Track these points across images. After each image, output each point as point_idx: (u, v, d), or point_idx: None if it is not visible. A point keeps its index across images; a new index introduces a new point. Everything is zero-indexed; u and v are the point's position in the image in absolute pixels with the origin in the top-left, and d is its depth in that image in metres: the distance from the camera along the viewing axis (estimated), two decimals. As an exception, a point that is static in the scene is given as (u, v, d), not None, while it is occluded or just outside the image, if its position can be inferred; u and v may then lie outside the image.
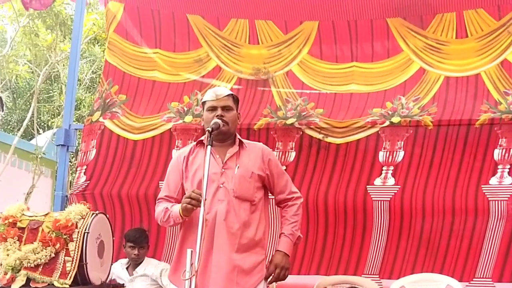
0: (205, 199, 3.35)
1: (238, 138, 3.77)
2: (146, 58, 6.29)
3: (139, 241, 5.28)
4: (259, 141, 5.21)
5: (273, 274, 3.66)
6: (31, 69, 10.85)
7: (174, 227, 5.61)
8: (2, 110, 11.01)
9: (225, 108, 3.73)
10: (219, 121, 3.63)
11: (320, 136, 5.64)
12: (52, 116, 13.50)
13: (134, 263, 5.31)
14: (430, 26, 5.86)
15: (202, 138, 3.68)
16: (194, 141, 5.73)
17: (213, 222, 3.55)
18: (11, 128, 14.18)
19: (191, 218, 3.58)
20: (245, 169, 3.67)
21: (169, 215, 3.61)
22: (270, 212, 4.26)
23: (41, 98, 13.34)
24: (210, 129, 3.54)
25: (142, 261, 5.31)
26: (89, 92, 13.57)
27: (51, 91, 13.63)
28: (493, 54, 5.66)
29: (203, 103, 3.82)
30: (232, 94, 3.82)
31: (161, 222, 3.71)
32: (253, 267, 3.60)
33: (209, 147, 3.47)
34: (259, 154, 3.76)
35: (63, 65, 10.65)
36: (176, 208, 3.56)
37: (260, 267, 3.65)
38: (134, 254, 5.26)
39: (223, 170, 3.67)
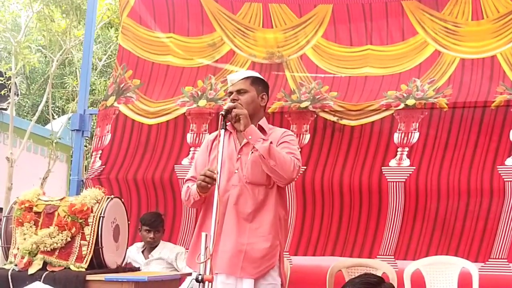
0: (219, 184, 3.37)
1: (259, 124, 3.72)
2: (159, 43, 6.29)
3: (154, 225, 5.31)
4: (273, 125, 5.22)
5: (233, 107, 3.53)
6: (44, 55, 10.87)
7: (190, 211, 5.66)
8: (17, 96, 11.05)
9: (239, 92, 3.72)
10: (232, 104, 3.63)
11: (334, 119, 5.63)
12: (67, 102, 13.55)
13: (150, 247, 5.34)
14: (445, 8, 5.82)
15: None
16: (208, 125, 5.81)
17: (224, 207, 3.55)
18: (25, 113, 14.25)
19: (208, 203, 3.59)
20: None
21: (189, 193, 3.65)
22: (288, 199, 4.17)
23: (56, 83, 13.37)
24: (223, 113, 3.55)
25: (158, 245, 5.34)
26: (104, 77, 13.59)
27: (65, 77, 13.67)
28: (509, 36, 5.62)
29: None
30: (249, 77, 3.79)
31: (184, 201, 3.76)
32: (263, 255, 3.54)
33: (222, 131, 3.47)
34: (277, 138, 3.70)
35: (77, 50, 10.66)
36: (195, 186, 3.59)
37: (272, 254, 3.57)
38: (150, 238, 5.30)
39: (239, 155, 3.66)
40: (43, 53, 11.01)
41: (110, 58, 12.82)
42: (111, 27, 13.08)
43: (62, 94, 14.01)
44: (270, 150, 3.49)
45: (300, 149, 5.33)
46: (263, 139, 3.52)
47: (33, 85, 14.66)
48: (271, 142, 3.52)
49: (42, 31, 10.03)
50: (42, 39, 10.96)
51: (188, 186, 3.70)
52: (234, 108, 3.53)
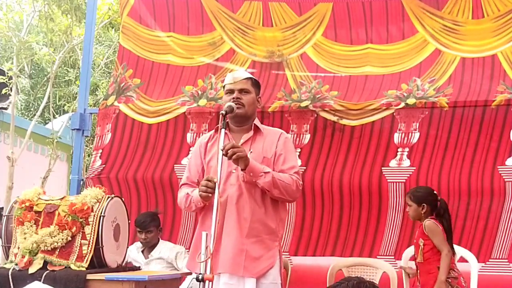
0: (219, 184, 3.36)
1: (254, 123, 3.74)
2: (160, 42, 6.30)
3: (143, 226, 5.30)
4: (273, 124, 5.24)
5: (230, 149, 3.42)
6: (49, 54, 10.87)
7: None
8: (17, 95, 11.03)
9: (242, 91, 3.71)
10: (233, 104, 3.63)
11: (334, 118, 5.63)
12: (68, 101, 13.53)
13: (147, 247, 5.34)
14: (446, 7, 5.82)
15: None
16: (208, 124, 5.80)
17: (224, 206, 3.55)
18: (26, 113, 14.23)
19: (208, 205, 3.59)
20: (257, 154, 3.64)
21: (190, 200, 3.65)
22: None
23: (58, 82, 13.37)
24: (224, 112, 3.54)
25: (157, 244, 5.34)
26: (107, 77, 13.57)
27: (66, 76, 13.65)
28: (509, 35, 5.63)
29: (223, 87, 3.85)
30: (251, 78, 3.81)
31: (184, 208, 3.77)
32: (263, 253, 3.57)
33: (223, 130, 3.46)
34: (275, 140, 3.71)
35: (80, 49, 10.65)
36: (196, 193, 3.58)
37: (271, 253, 3.59)
38: (142, 238, 5.30)
39: (236, 155, 3.66)
40: (46, 51, 10.99)
41: (108, 58, 12.81)
42: (112, 27, 13.07)
43: (63, 93, 13.99)
44: (273, 181, 3.53)
45: (300, 150, 5.41)
46: (264, 173, 3.53)
47: (36, 83, 14.63)
48: (273, 175, 3.53)
49: (45, 30, 10.01)
50: (44, 37, 10.95)
51: (187, 193, 3.69)
52: (235, 152, 3.42)
